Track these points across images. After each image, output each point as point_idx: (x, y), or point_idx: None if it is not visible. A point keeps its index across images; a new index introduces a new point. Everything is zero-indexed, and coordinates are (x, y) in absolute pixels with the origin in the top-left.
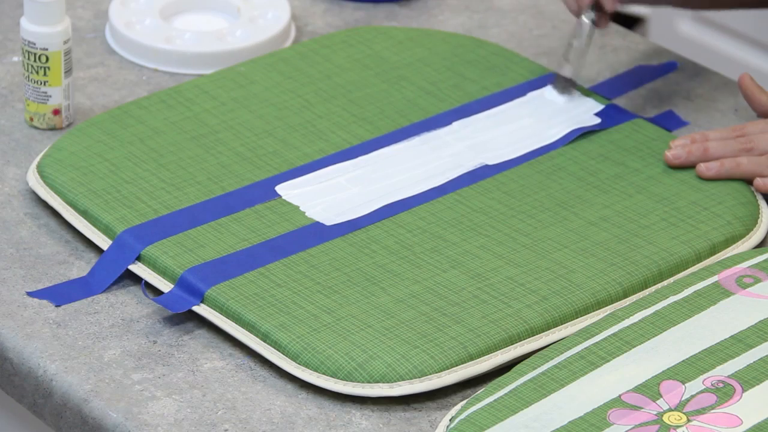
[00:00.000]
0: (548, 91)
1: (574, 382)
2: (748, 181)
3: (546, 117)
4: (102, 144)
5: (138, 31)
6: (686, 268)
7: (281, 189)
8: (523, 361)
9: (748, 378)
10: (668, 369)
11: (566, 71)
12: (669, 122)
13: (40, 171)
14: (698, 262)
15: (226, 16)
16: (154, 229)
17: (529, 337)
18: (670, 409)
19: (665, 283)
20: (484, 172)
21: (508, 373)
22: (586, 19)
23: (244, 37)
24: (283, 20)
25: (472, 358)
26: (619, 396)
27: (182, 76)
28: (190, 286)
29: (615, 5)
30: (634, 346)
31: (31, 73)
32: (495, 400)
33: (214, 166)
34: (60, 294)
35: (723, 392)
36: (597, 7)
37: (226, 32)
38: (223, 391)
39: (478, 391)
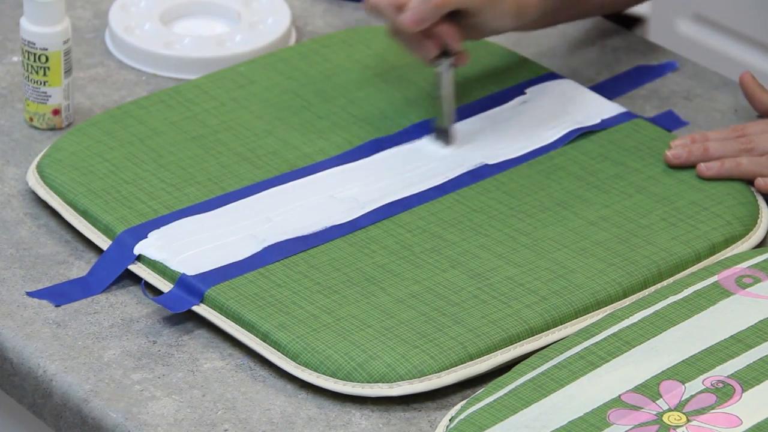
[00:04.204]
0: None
1: (574, 382)
2: (748, 181)
3: (546, 117)
4: (102, 144)
5: (137, 36)
6: (686, 268)
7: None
8: (523, 361)
9: (748, 378)
10: (668, 369)
11: (442, 122)
12: (669, 122)
13: (40, 171)
14: (698, 262)
15: (227, 21)
16: (154, 229)
17: (529, 337)
18: (669, 409)
19: (665, 283)
20: (484, 172)
21: (508, 373)
22: (440, 69)
23: (244, 43)
24: (283, 25)
25: (471, 358)
26: (619, 396)
27: (182, 81)
28: (190, 286)
29: (460, 46)
30: (634, 346)
31: (31, 73)
32: (495, 400)
33: (214, 166)
34: (60, 294)
35: (723, 392)
36: (448, 53)
37: (226, 37)
38: (222, 391)
39: (478, 391)
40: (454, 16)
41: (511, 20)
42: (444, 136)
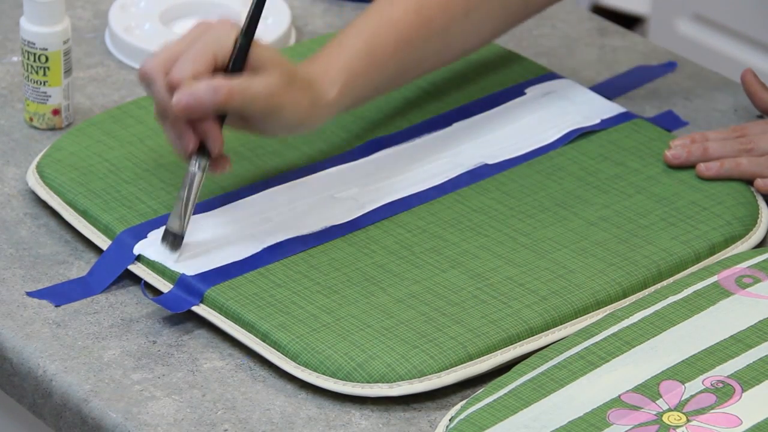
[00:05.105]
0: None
1: (574, 382)
2: (748, 181)
3: (546, 117)
4: (101, 144)
5: (137, 36)
6: (686, 268)
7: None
8: (523, 361)
9: (748, 378)
10: (668, 369)
11: (174, 224)
12: (669, 122)
13: (40, 171)
14: (698, 262)
15: None
16: (154, 229)
17: (529, 337)
18: (669, 409)
19: (665, 283)
20: (483, 172)
21: (508, 373)
22: (192, 169)
23: None
24: (283, 25)
25: (471, 358)
26: (619, 396)
27: None
28: (190, 286)
29: (220, 151)
30: (634, 346)
31: (31, 73)
32: (494, 400)
33: None
34: (59, 294)
35: (722, 392)
36: (205, 151)
37: None
38: (222, 391)
39: (478, 391)
40: (232, 116)
41: (305, 122)
42: (171, 240)
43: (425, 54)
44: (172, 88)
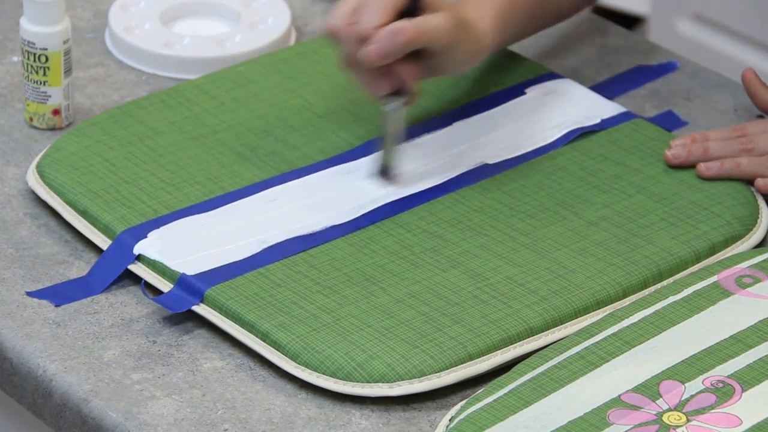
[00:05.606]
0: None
1: (574, 382)
2: (748, 181)
3: (546, 117)
4: (101, 144)
5: (137, 36)
6: (686, 268)
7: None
8: (523, 361)
9: (748, 378)
10: (668, 369)
11: (386, 160)
12: (669, 122)
13: (40, 171)
14: (698, 262)
15: (227, 21)
16: (154, 229)
17: (529, 337)
18: (669, 409)
19: (665, 283)
20: (483, 172)
21: (508, 373)
22: (390, 108)
23: (244, 43)
24: (283, 25)
25: (471, 358)
26: (619, 396)
27: (182, 81)
28: (190, 286)
29: (416, 86)
30: (634, 346)
31: (31, 73)
32: (495, 400)
33: (214, 166)
34: (59, 294)
35: (722, 392)
36: (399, 91)
37: (226, 37)
38: (222, 390)
39: (478, 391)
40: (413, 55)
41: (469, 62)
42: (387, 174)
43: (545, 8)
44: (361, 40)
